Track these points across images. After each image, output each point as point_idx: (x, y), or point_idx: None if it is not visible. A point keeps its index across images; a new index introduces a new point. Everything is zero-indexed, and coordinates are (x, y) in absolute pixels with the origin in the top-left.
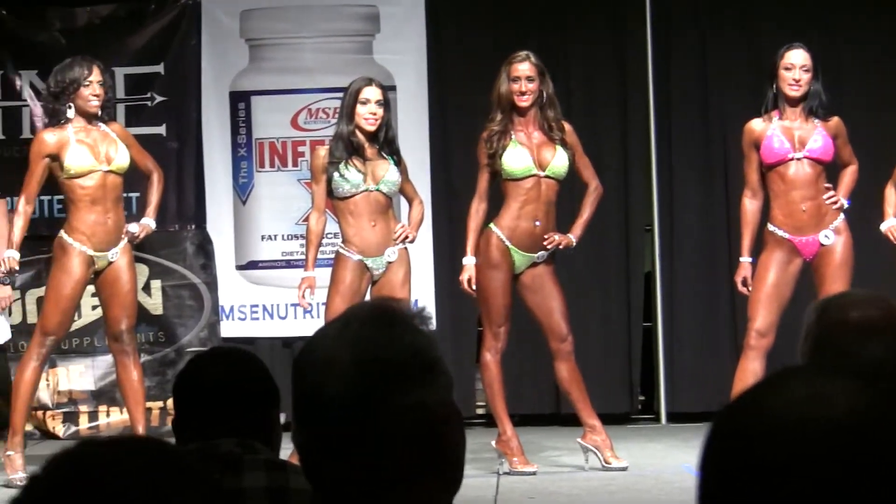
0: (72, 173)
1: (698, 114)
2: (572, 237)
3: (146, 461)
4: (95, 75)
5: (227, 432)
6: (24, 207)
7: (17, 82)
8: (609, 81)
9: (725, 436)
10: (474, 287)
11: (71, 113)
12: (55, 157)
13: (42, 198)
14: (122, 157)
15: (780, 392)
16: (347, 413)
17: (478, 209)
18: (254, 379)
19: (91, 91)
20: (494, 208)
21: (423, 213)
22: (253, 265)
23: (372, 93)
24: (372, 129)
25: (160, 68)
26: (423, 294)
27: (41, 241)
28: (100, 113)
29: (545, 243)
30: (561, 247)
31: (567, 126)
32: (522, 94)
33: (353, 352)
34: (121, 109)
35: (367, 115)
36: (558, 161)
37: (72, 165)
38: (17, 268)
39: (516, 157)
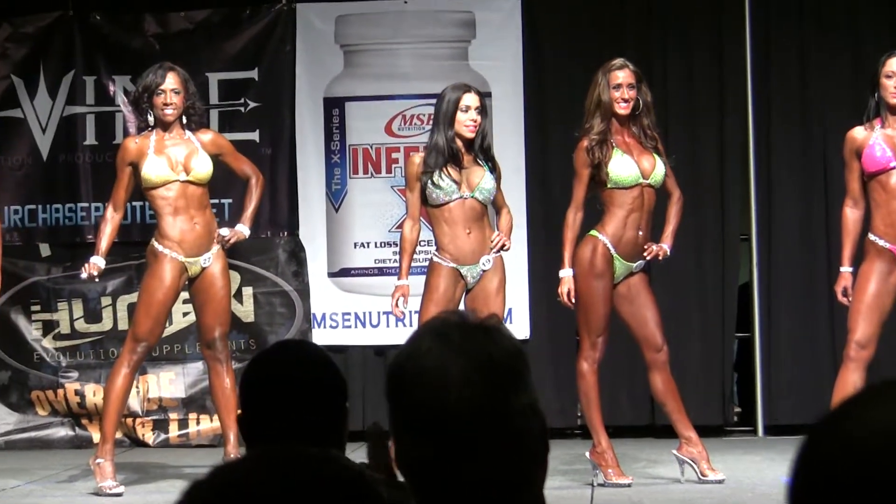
0: (148, 184)
1: (798, 121)
2: (666, 247)
3: (312, 473)
4: (169, 83)
5: (296, 427)
6: (111, 214)
7: (111, 88)
8: (707, 87)
9: (814, 450)
10: (573, 300)
11: (151, 122)
12: (136, 166)
13: (134, 203)
14: (201, 167)
15: (869, 410)
16: (471, 419)
17: (574, 219)
18: (321, 368)
19: (163, 99)
20: (588, 216)
21: (512, 220)
22: (345, 273)
23: (472, 99)
24: (471, 136)
25: (254, 74)
26: (517, 303)
27: (132, 247)
28: (172, 121)
29: (644, 253)
30: (660, 258)
31: (657, 135)
32: (625, 101)
33: (466, 358)
34: (214, 115)
35: (468, 122)
36: (658, 169)
37: (148, 175)
38: (95, 273)
39: (623, 166)
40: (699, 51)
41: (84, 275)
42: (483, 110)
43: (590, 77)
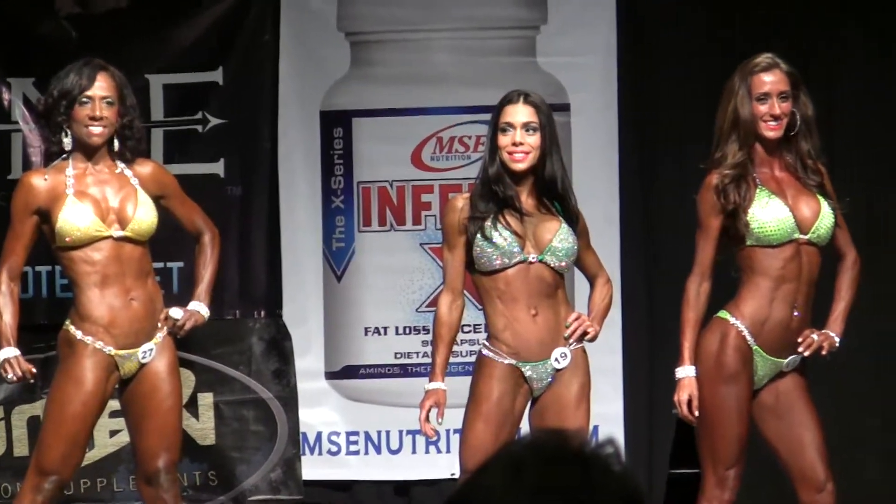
0: (67, 241)
1: None
2: (833, 335)
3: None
4: (99, 87)
5: None
6: (7, 286)
7: (5, 95)
8: (891, 94)
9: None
10: (696, 413)
11: (68, 144)
12: (45, 215)
13: (39, 269)
14: (142, 216)
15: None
16: None
17: (699, 293)
18: None
19: (89, 112)
20: (717, 288)
21: (612, 295)
22: (352, 372)
23: (517, 113)
24: (520, 166)
25: (217, 76)
26: (606, 419)
27: (36, 334)
28: (100, 144)
29: (801, 347)
30: (823, 352)
31: (821, 166)
32: (774, 118)
33: None
34: (157, 137)
35: (511, 147)
36: (824, 219)
37: (67, 228)
38: (33, 370)
39: (771, 213)
40: (877, 38)
41: (10, 375)
42: (544, 129)
43: (721, 81)
